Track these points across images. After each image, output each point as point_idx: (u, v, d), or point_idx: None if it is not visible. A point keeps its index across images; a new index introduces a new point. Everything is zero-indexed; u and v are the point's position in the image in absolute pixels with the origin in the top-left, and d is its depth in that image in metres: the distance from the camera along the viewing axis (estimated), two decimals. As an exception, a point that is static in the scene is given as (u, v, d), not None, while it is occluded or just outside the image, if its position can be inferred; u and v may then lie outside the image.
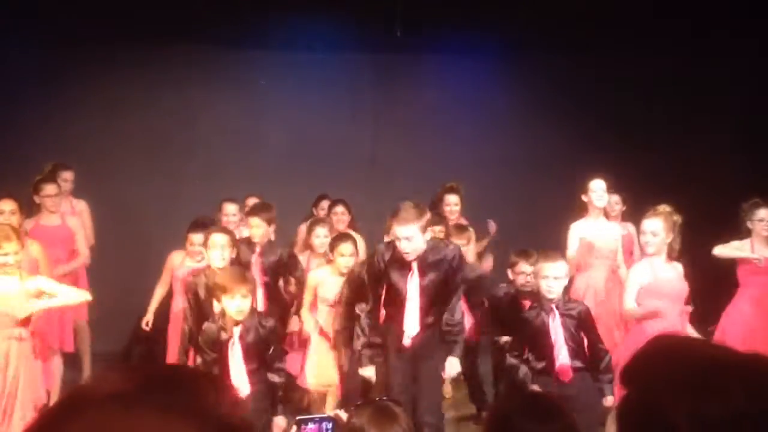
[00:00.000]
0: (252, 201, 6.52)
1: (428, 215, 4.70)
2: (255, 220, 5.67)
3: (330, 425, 2.48)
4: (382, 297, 4.77)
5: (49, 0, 7.38)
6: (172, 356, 5.72)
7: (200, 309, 4.97)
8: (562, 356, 4.56)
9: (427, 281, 4.61)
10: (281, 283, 5.83)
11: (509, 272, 5.52)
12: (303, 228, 6.81)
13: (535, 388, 4.63)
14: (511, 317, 5.10)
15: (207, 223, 5.96)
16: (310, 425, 2.49)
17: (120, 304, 6.35)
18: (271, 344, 4.47)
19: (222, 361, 4.34)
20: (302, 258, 6.23)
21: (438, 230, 5.87)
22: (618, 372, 2.11)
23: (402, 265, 4.61)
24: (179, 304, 5.73)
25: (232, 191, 6.89)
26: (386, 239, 5.10)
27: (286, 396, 4.83)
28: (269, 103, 8.20)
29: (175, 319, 5.78)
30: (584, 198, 6.14)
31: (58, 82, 7.67)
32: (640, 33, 7.72)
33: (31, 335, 4.82)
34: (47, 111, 7.65)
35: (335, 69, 8.20)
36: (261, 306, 5.28)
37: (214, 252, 5.03)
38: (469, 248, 5.89)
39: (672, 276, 5.17)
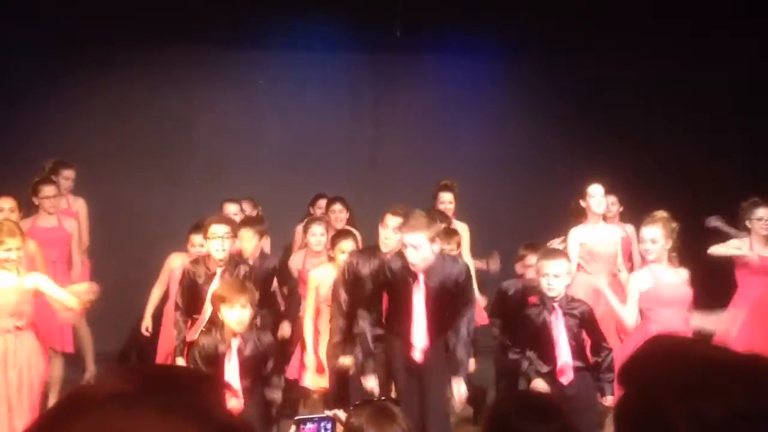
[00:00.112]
0: (231, 207, 6.47)
1: (439, 227, 4.63)
2: (247, 233, 5.56)
3: (329, 425, 2.47)
4: (386, 307, 4.73)
5: (49, 1, 7.38)
6: (162, 357, 5.69)
7: (193, 297, 4.94)
8: (564, 355, 4.56)
9: (433, 295, 4.54)
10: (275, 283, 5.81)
11: (518, 266, 5.51)
12: (300, 229, 6.81)
13: (540, 383, 4.63)
14: (516, 314, 5.09)
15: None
16: (309, 425, 2.49)
17: (120, 304, 6.34)
18: (268, 359, 4.39)
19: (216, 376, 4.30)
20: (299, 255, 6.23)
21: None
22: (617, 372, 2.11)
23: (408, 276, 4.54)
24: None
25: (232, 191, 6.89)
26: (380, 230, 5.06)
27: (285, 398, 4.81)
28: (269, 104, 8.20)
29: (168, 320, 5.75)
30: (582, 203, 6.12)
31: (58, 82, 7.67)
32: (640, 33, 7.72)
33: (32, 326, 4.82)
34: (47, 111, 7.65)
35: (335, 69, 8.20)
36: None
37: (213, 242, 4.98)
38: (457, 252, 5.84)
39: (674, 281, 5.17)
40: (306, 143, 8.16)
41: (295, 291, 5.93)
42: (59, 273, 5.93)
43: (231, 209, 6.38)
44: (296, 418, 2.53)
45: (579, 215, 6.19)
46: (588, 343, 4.74)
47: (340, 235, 5.57)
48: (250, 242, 5.48)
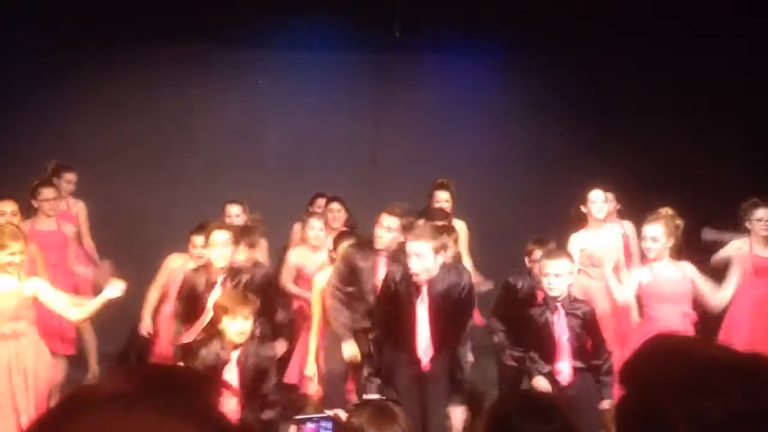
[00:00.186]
0: (233, 208, 6.40)
1: (445, 240, 4.62)
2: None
3: (328, 425, 2.47)
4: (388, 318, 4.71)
5: (48, 2, 7.38)
6: (155, 357, 5.66)
7: (192, 306, 4.90)
8: (564, 355, 4.55)
9: (436, 306, 4.52)
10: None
11: (526, 260, 5.49)
12: (297, 227, 6.80)
13: (542, 381, 4.61)
14: (520, 312, 5.09)
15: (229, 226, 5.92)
16: (309, 425, 2.49)
17: (118, 305, 6.33)
18: (267, 373, 4.33)
19: None
20: (297, 251, 6.20)
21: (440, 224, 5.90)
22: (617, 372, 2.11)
23: (411, 287, 4.52)
24: (170, 307, 5.62)
25: (232, 192, 6.89)
26: (376, 229, 5.05)
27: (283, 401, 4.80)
28: (269, 104, 8.20)
29: (164, 321, 5.72)
30: (583, 209, 6.11)
31: (58, 83, 7.67)
32: (640, 33, 7.72)
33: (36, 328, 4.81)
34: (47, 112, 7.64)
35: (335, 69, 8.19)
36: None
37: (215, 250, 4.94)
38: (454, 249, 5.82)
39: (674, 277, 5.18)
40: (306, 143, 8.16)
41: (287, 306, 5.75)
42: (59, 276, 5.92)
43: (233, 210, 6.34)
44: (296, 417, 2.54)
45: (579, 221, 6.18)
46: (588, 344, 4.74)
47: (342, 236, 5.56)
48: (241, 254, 5.39)
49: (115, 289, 4.88)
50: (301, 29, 7.81)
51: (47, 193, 6.12)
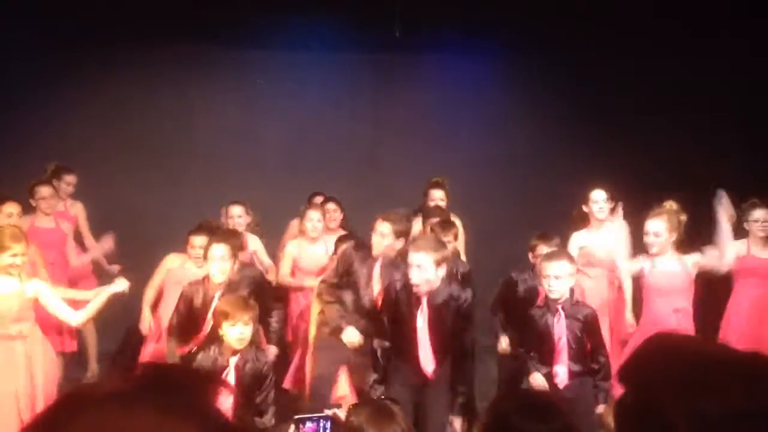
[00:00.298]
0: (236, 209, 6.32)
1: (447, 253, 4.58)
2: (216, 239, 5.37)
3: (328, 424, 2.47)
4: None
5: (48, 2, 7.38)
6: (145, 356, 5.63)
7: (189, 319, 4.81)
8: (562, 358, 4.53)
9: (436, 317, 4.50)
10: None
11: (529, 255, 5.48)
12: (294, 223, 6.80)
13: (539, 377, 4.60)
14: (521, 311, 5.08)
15: (211, 226, 5.87)
16: (308, 424, 2.49)
17: (119, 304, 6.33)
18: (264, 381, 4.29)
19: None
20: (294, 243, 6.18)
21: (435, 221, 5.89)
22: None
23: (412, 297, 4.50)
24: (166, 307, 5.58)
25: (231, 192, 6.89)
26: (372, 235, 5.04)
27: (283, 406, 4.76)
28: (268, 104, 8.20)
29: (157, 321, 5.68)
30: (585, 209, 6.10)
31: (58, 83, 7.66)
32: (640, 33, 7.72)
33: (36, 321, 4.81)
34: (47, 112, 7.64)
35: (334, 69, 8.20)
36: None
37: (213, 264, 4.82)
38: (454, 244, 5.82)
39: (672, 269, 5.20)
40: (305, 143, 8.16)
41: (276, 308, 5.63)
42: (57, 274, 5.92)
43: (236, 211, 6.29)
44: (295, 417, 2.53)
45: (582, 220, 6.18)
46: (588, 347, 4.72)
47: (344, 239, 5.55)
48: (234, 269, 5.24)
49: (119, 285, 4.87)
50: (301, 29, 7.82)
51: (44, 191, 6.13)
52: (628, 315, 5.73)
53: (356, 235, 5.74)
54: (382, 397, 4.37)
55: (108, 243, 6.35)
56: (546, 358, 4.58)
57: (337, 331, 5.00)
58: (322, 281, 5.24)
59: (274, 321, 5.36)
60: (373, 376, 4.61)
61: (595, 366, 4.59)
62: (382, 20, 7.62)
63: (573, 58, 7.99)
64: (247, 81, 8.24)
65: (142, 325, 5.83)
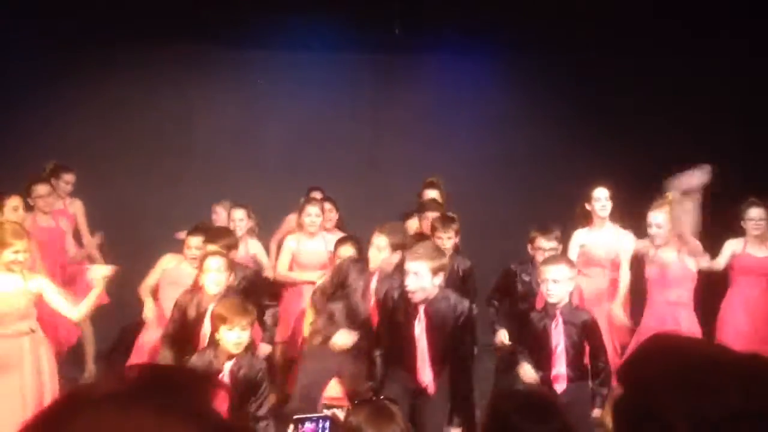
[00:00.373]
0: (237, 212, 6.29)
1: (445, 262, 4.53)
2: (213, 248, 5.23)
3: (327, 424, 2.47)
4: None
5: (48, 2, 7.38)
6: (145, 344, 5.59)
7: (183, 329, 4.76)
8: (560, 364, 4.48)
9: (433, 327, 4.46)
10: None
11: (528, 247, 5.45)
12: (291, 218, 6.79)
13: (528, 369, 4.58)
14: (520, 311, 5.05)
15: (208, 228, 5.86)
16: (308, 424, 2.49)
17: (119, 304, 6.33)
18: (259, 386, 4.24)
19: None
20: (292, 237, 6.16)
21: (432, 217, 5.87)
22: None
23: (409, 306, 4.48)
24: (158, 308, 5.54)
25: (231, 192, 6.89)
26: (369, 252, 5.00)
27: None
28: (268, 103, 8.20)
29: (159, 306, 5.66)
30: (587, 207, 6.09)
31: (57, 83, 7.67)
32: (640, 33, 7.72)
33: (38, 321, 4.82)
34: (47, 112, 7.65)
35: (334, 69, 8.19)
36: None
37: (208, 276, 4.76)
38: (455, 240, 5.80)
39: (669, 261, 5.21)
40: (305, 143, 8.16)
41: (271, 306, 5.55)
42: (55, 272, 5.93)
43: (238, 215, 6.23)
44: (295, 417, 2.53)
45: (585, 219, 6.17)
46: (587, 352, 4.67)
47: (344, 241, 5.52)
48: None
49: (99, 270, 4.84)
50: (301, 29, 7.82)
51: (40, 189, 6.14)
52: (616, 308, 5.75)
53: (356, 237, 5.72)
54: (381, 397, 4.36)
55: (98, 239, 6.37)
56: (543, 363, 4.54)
57: (326, 341, 4.96)
58: (317, 289, 5.21)
59: (269, 320, 5.32)
60: (368, 384, 4.57)
61: (595, 371, 4.54)
62: (382, 20, 7.62)
63: (573, 58, 7.99)
64: (247, 81, 8.24)
65: (145, 313, 5.75)
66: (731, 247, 5.85)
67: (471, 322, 4.67)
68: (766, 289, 5.82)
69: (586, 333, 4.54)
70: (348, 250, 5.34)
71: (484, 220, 7.00)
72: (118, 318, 6.66)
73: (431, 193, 6.43)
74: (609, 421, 4.33)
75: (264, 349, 5.21)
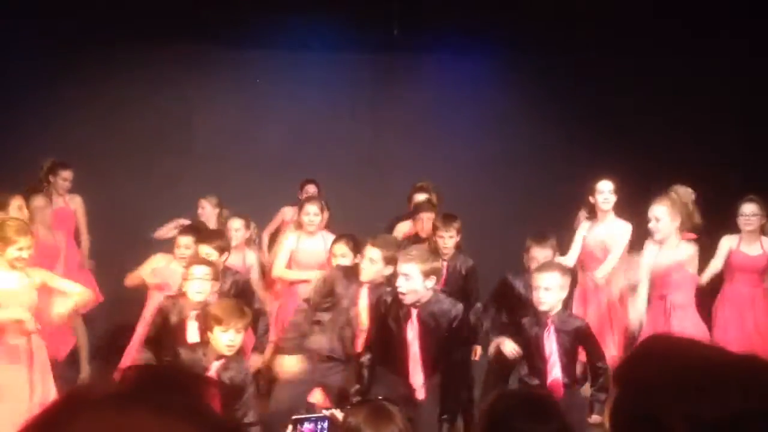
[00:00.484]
0: (235, 222, 6.22)
1: (437, 265, 4.50)
2: (205, 249, 5.17)
3: (326, 424, 2.47)
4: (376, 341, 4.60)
5: (48, 2, 7.38)
6: (128, 360, 5.51)
7: (167, 334, 4.68)
8: (555, 372, 4.43)
9: (426, 332, 4.43)
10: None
11: (524, 257, 5.40)
12: (286, 210, 6.77)
13: (509, 345, 4.60)
14: (514, 316, 5.04)
15: (200, 228, 5.83)
16: (306, 425, 2.49)
17: (118, 304, 6.34)
18: (243, 392, 4.17)
19: None
20: (291, 236, 6.13)
21: (427, 217, 5.84)
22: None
23: (402, 311, 4.44)
24: (152, 304, 5.49)
25: (230, 191, 6.89)
26: (361, 263, 4.93)
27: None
28: (267, 103, 8.20)
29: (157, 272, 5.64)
30: (591, 199, 6.04)
31: (57, 83, 7.67)
32: (640, 33, 7.72)
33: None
34: (47, 112, 7.64)
35: (334, 69, 8.20)
36: None
37: (191, 283, 4.67)
38: (457, 239, 5.76)
39: (663, 260, 5.20)
40: (304, 143, 8.16)
41: (262, 313, 5.41)
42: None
43: (235, 224, 6.17)
44: (293, 417, 2.54)
45: (593, 212, 6.13)
46: (582, 359, 4.64)
47: (336, 239, 5.43)
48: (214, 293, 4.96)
49: (64, 305, 4.80)
50: (301, 29, 7.82)
51: (37, 201, 6.09)
52: (599, 272, 5.74)
53: (352, 235, 5.65)
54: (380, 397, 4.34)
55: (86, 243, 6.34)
56: (537, 372, 4.48)
57: (296, 349, 4.83)
58: (304, 300, 5.09)
59: (261, 329, 5.21)
60: (356, 387, 4.52)
61: (593, 377, 4.49)
62: (382, 20, 7.62)
63: (573, 58, 7.98)
64: (247, 81, 8.24)
65: (144, 277, 5.74)
66: (727, 244, 5.83)
67: (464, 324, 4.62)
68: (758, 285, 5.81)
69: (579, 340, 4.48)
70: (341, 248, 5.23)
71: (483, 219, 6.99)
72: (115, 318, 6.67)
73: (421, 198, 6.38)
74: (607, 424, 4.31)
75: (254, 361, 5.06)
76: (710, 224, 5.86)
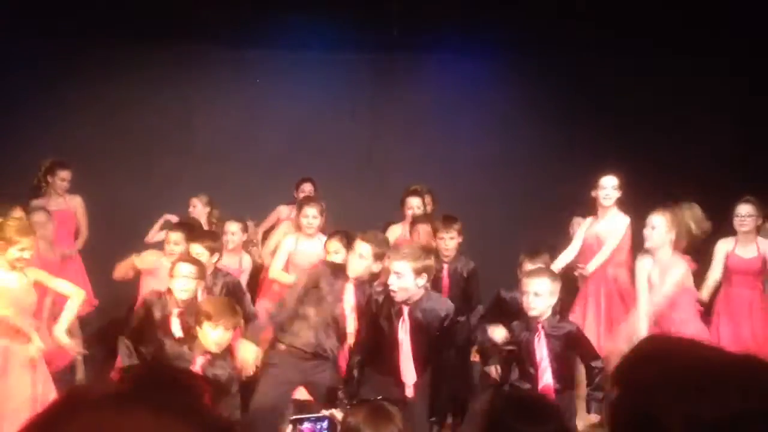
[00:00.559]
0: (232, 226, 6.17)
1: (429, 263, 4.46)
2: (196, 248, 5.11)
3: (325, 424, 2.48)
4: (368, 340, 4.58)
5: (48, 2, 7.38)
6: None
7: (149, 327, 4.63)
8: (546, 377, 4.40)
9: (417, 330, 4.41)
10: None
11: (518, 272, 5.33)
12: (281, 208, 6.75)
13: (498, 332, 4.60)
14: (507, 324, 5.02)
15: (191, 224, 5.83)
16: (306, 424, 2.49)
17: (117, 304, 6.33)
18: (229, 390, 4.14)
19: None
20: (290, 238, 6.11)
21: (423, 229, 5.80)
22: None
23: (393, 309, 4.42)
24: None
25: (230, 191, 6.90)
26: (348, 258, 4.89)
27: None
28: (267, 103, 8.21)
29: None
30: (593, 194, 5.99)
31: (58, 84, 7.67)
32: (640, 33, 7.72)
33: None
34: (47, 113, 7.64)
35: (333, 69, 8.20)
36: None
37: (176, 281, 4.64)
38: (458, 240, 5.74)
39: (669, 270, 5.17)
40: (304, 143, 8.16)
41: (252, 317, 5.31)
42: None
43: (232, 228, 6.14)
44: (293, 417, 2.54)
45: (593, 207, 6.10)
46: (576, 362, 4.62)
47: (330, 236, 5.37)
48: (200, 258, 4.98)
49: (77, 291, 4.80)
50: (301, 29, 7.82)
51: (38, 216, 6.06)
52: (590, 265, 5.71)
53: (345, 231, 5.57)
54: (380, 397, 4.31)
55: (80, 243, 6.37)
56: (528, 377, 4.45)
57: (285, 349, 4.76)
58: (288, 292, 5.07)
59: (249, 332, 5.13)
60: (344, 388, 4.49)
61: (588, 377, 4.48)
62: (382, 20, 7.62)
63: (573, 58, 7.98)
64: (247, 81, 8.24)
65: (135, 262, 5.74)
66: (723, 248, 5.79)
67: (455, 322, 4.61)
68: (755, 287, 5.78)
69: (570, 344, 4.46)
70: (334, 245, 5.16)
71: (482, 220, 6.99)
72: (112, 318, 6.66)
73: (413, 201, 6.31)
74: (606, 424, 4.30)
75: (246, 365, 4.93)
76: (711, 225, 5.85)
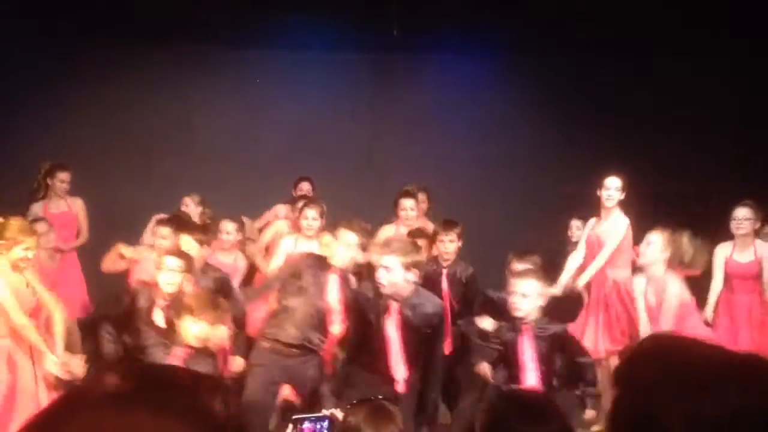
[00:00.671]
0: (228, 225, 6.12)
1: (418, 258, 4.45)
2: (186, 239, 5.10)
3: (325, 424, 2.48)
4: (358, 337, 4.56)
5: (48, 2, 7.38)
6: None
7: (131, 315, 4.60)
8: (530, 379, 4.38)
9: (406, 326, 4.39)
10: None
11: (507, 273, 5.32)
12: (279, 207, 6.74)
13: (486, 322, 4.59)
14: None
15: (181, 219, 5.81)
16: (306, 424, 2.49)
17: (113, 302, 6.33)
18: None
19: None
20: (288, 239, 6.10)
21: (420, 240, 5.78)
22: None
23: (381, 305, 4.41)
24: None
25: (230, 191, 6.89)
26: (333, 243, 4.89)
27: None
28: (267, 103, 8.21)
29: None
30: (598, 193, 5.94)
31: (57, 84, 7.68)
32: (640, 33, 7.72)
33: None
34: (47, 113, 7.66)
35: (333, 69, 8.21)
36: None
37: (162, 274, 4.59)
38: (458, 244, 5.73)
39: (652, 296, 5.18)
40: (304, 143, 8.16)
41: (242, 313, 5.15)
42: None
43: (228, 227, 6.08)
44: (293, 417, 2.54)
45: (588, 217, 6.10)
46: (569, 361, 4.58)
47: (325, 230, 5.38)
48: (187, 286, 4.82)
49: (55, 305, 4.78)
50: (301, 29, 7.82)
51: (39, 226, 6.04)
52: (583, 279, 5.72)
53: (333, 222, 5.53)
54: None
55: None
56: (514, 376, 4.43)
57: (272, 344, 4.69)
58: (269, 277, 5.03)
59: (238, 329, 5.05)
60: (329, 387, 4.49)
61: (580, 375, 4.45)
62: (382, 20, 7.62)
63: (573, 58, 7.99)
64: (247, 81, 8.25)
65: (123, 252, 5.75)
66: (722, 253, 5.77)
67: (443, 321, 4.60)
68: (754, 291, 5.76)
69: (557, 345, 4.44)
70: (328, 239, 5.15)
71: (482, 221, 6.99)
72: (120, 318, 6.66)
73: (407, 203, 6.25)
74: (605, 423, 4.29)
75: (238, 361, 4.88)
76: (710, 224, 5.85)
